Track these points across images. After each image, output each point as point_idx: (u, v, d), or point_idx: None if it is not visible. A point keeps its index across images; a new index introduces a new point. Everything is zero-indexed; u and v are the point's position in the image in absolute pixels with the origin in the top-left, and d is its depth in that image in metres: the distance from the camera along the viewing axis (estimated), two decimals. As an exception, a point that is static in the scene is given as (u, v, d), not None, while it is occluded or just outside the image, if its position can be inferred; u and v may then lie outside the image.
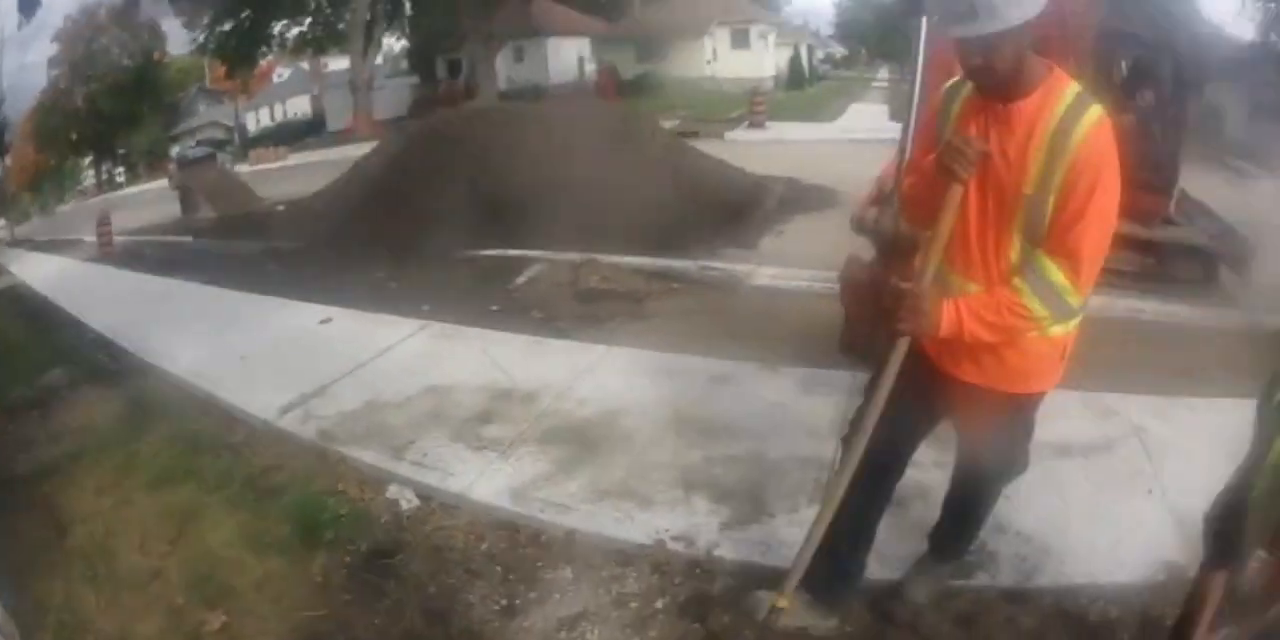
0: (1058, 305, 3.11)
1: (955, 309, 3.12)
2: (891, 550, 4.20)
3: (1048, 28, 3.24)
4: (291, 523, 4.50)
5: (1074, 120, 3.02)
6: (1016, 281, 3.09)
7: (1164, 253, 12.48)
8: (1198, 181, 19.89)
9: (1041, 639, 3.98)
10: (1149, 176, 13.30)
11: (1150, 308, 10.07)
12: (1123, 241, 12.64)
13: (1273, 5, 34.94)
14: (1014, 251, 3.17)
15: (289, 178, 22.34)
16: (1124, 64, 12.22)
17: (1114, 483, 5.17)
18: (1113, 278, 12.33)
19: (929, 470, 4.86)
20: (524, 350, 7.10)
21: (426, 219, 11.07)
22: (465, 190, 11.49)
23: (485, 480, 5.01)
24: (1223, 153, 31.72)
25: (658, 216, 11.82)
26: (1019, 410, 3.54)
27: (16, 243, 20.15)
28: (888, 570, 4.19)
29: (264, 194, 18.17)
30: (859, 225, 6.30)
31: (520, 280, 9.31)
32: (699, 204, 12.48)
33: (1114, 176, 3.08)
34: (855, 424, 3.53)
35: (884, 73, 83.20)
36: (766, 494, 4.78)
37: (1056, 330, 3.24)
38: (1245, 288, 12.73)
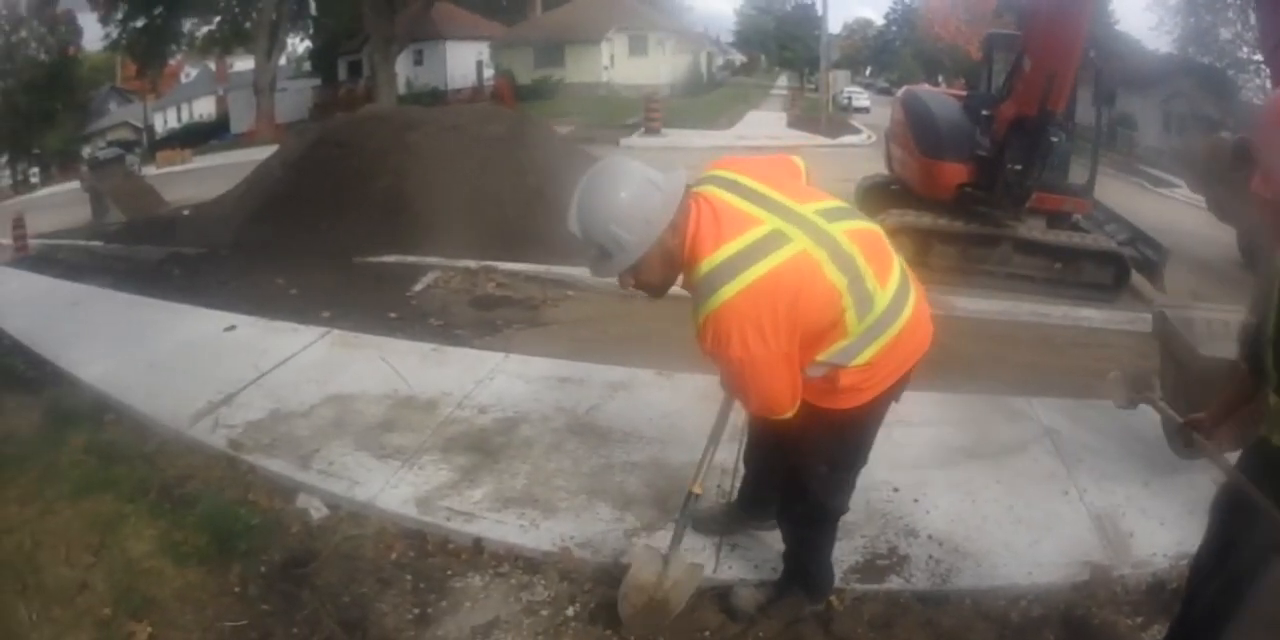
0: None
1: None
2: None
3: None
4: (208, 532, 4.57)
5: (697, 308, 3.29)
6: None
7: (1072, 258, 13.20)
8: (1112, 188, 20.55)
9: (962, 640, 4.07)
10: (1058, 179, 13.90)
11: (1058, 312, 10.39)
12: (1028, 246, 13.15)
13: (1192, 20, 36.23)
14: None
15: (194, 181, 22.28)
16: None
17: (1028, 484, 5.40)
18: (1019, 283, 12.85)
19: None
20: (423, 358, 7.22)
21: (325, 224, 11.14)
22: (362, 195, 11.56)
23: (391, 489, 5.14)
24: (1136, 161, 32.77)
25: (553, 223, 11.95)
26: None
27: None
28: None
29: (170, 197, 18.05)
30: None
31: (418, 287, 9.40)
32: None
33: (736, 351, 3.24)
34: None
35: (783, 80, 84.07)
36: (669, 500, 4.91)
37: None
38: (1158, 291, 13.27)
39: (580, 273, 9.57)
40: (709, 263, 3.24)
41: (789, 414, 3.52)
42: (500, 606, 4.25)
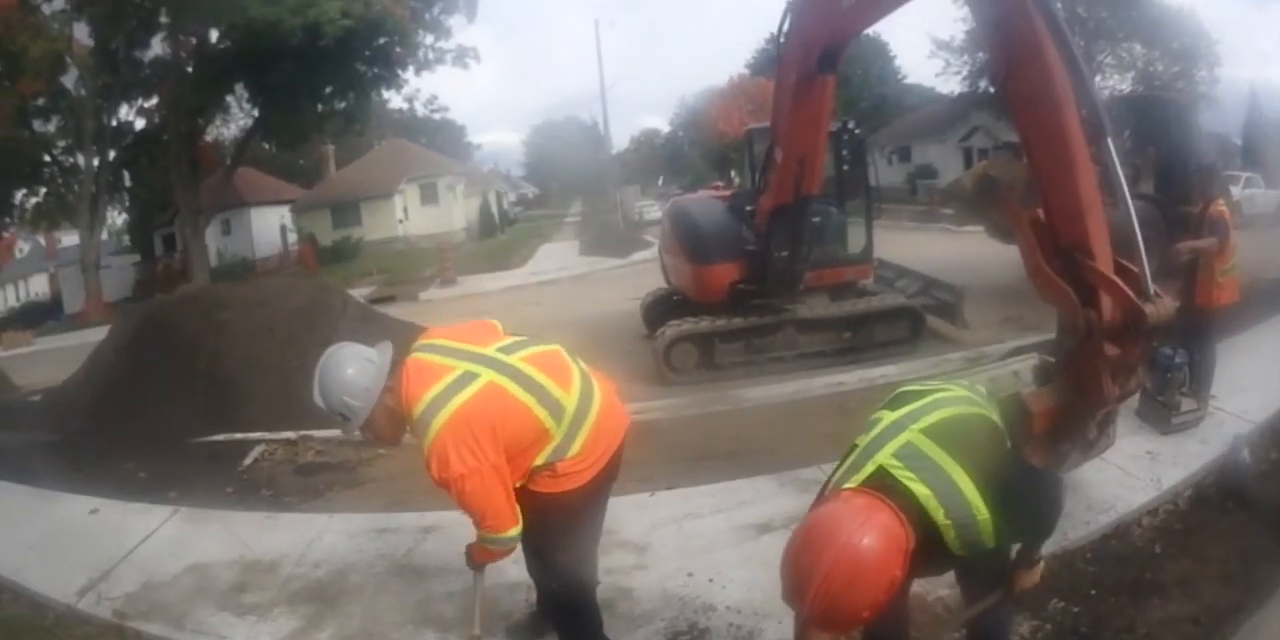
0: (501, 543, 4.47)
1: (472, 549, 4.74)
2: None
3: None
4: None
5: (421, 446, 4.26)
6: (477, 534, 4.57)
7: (860, 323, 13.78)
8: (915, 240, 20.86)
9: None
10: (836, 251, 14.28)
11: (853, 377, 11.01)
12: (811, 324, 13.76)
13: (980, 54, 36.91)
14: None
15: (38, 363, 22.44)
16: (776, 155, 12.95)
17: None
18: (815, 360, 13.50)
19: (629, 573, 6.15)
20: (260, 525, 8.02)
21: (160, 407, 11.63)
22: (186, 376, 12.06)
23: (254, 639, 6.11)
24: (939, 208, 33.04)
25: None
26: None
27: None
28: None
29: (18, 381, 18.24)
30: None
31: (247, 461, 10.03)
32: (395, 373, 13.37)
33: (457, 474, 4.16)
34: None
35: (577, 205, 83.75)
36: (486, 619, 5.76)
37: None
38: (959, 329, 13.93)
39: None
40: (419, 407, 4.19)
41: (513, 530, 4.33)
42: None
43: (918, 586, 4.41)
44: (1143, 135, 13.94)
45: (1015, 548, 3.82)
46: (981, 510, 3.23)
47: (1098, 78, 34.67)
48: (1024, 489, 3.49)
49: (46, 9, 38.55)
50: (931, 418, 3.56)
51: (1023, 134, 6.51)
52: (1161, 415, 7.89)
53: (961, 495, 3.24)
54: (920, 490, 3.22)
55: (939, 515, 3.21)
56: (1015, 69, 6.39)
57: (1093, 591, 5.42)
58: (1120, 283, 5.47)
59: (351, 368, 4.31)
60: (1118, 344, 5.51)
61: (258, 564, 7.23)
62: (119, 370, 13.03)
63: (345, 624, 6.19)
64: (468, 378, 4.29)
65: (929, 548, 3.25)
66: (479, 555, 4.72)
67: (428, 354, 4.45)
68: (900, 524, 3.12)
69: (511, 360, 4.44)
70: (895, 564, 3.01)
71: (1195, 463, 7.11)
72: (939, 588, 5.02)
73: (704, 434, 9.87)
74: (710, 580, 6.01)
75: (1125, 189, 5.75)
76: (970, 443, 3.44)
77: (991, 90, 35.40)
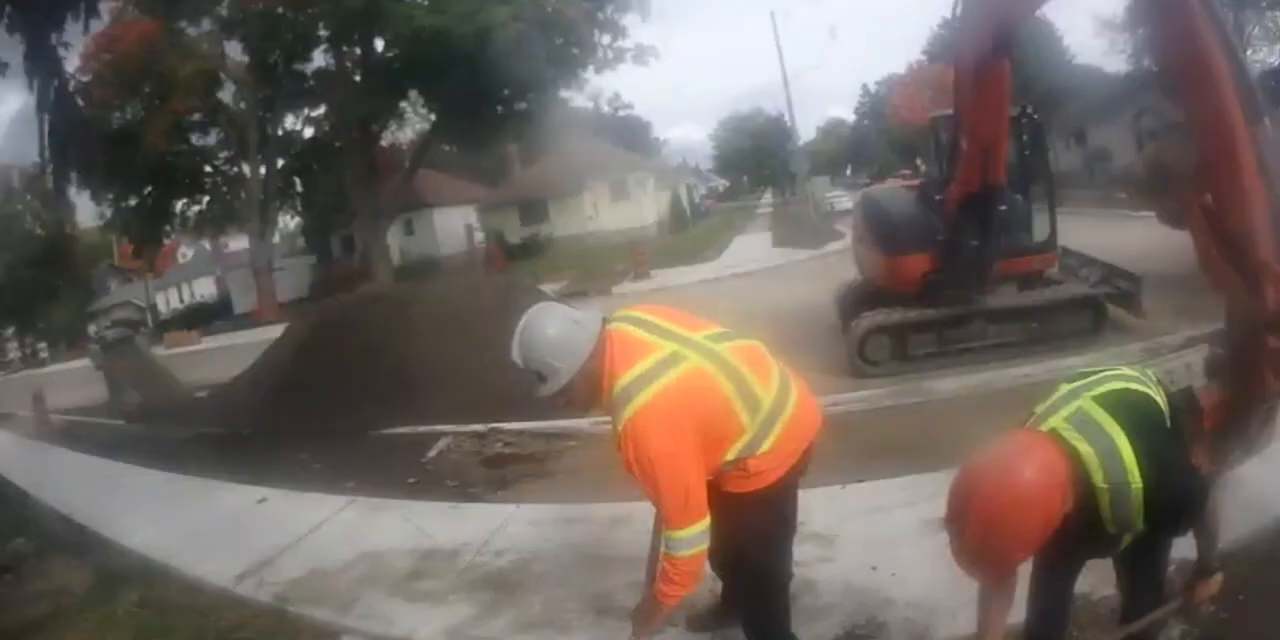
0: (691, 543, 3.97)
1: (656, 594, 4.18)
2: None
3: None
4: None
5: (615, 423, 3.96)
6: (665, 551, 4.08)
7: (1048, 313, 13.21)
8: (1094, 226, 20.47)
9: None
10: (1023, 240, 13.87)
11: (1040, 369, 10.45)
12: (1000, 315, 13.32)
13: (1140, 31, 35.45)
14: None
15: (205, 362, 22.78)
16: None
17: None
18: (1004, 351, 13.00)
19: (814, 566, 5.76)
20: (442, 515, 7.70)
21: (338, 401, 11.53)
22: (369, 370, 11.98)
23: (424, 625, 5.68)
24: (1112, 192, 31.95)
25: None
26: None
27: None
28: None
29: (183, 378, 18.43)
30: None
31: (431, 453, 9.83)
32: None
33: (651, 456, 3.86)
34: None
35: (767, 197, 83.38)
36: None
37: None
38: (1139, 319, 13.26)
39: (581, 425, 10.05)
40: (621, 382, 3.94)
41: (701, 523, 3.99)
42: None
43: (1082, 584, 4.22)
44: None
45: (1170, 548, 3.86)
46: (1136, 480, 3.23)
47: (1248, 51, 32.61)
48: (1179, 469, 3.45)
49: (194, 31, 39.98)
50: (1103, 388, 3.63)
51: (1187, 118, 6.26)
52: None
53: (1121, 461, 3.26)
54: (1084, 449, 3.26)
55: (1098, 476, 3.24)
56: (1170, 47, 6.23)
57: (1241, 597, 4.86)
58: None
59: (558, 328, 4.04)
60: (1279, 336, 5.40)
61: (436, 552, 6.91)
62: (295, 366, 13.05)
63: (524, 612, 5.84)
64: (676, 358, 4.08)
65: (1084, 520, 3.29)
66: (661, 596, 4.20)
67: (633, 327, 4.24)
68: (1064, 466, 3.20)
69: (718, 349, 4.23)
70: (1054, 501, 3.08)
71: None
72: (1104, 587, 4.59)
73: (895, 426, 9.48)
74: (893, 574, 5.73)
75: None
76: (1135, 414, 3.46)
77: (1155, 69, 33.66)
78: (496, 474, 9.18)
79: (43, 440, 11.97)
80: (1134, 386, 3.70)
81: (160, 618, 5.75)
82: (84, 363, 20.72)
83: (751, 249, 38.79)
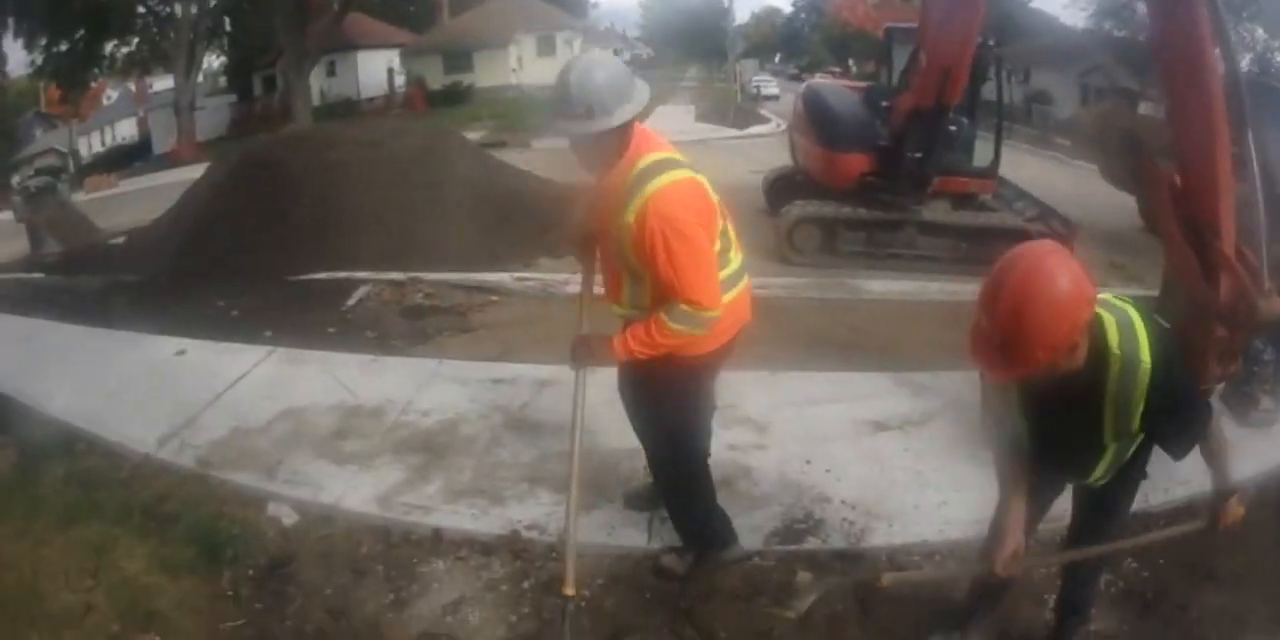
0: (696, 322, 3.93)
1: (622, 340, 4.05)
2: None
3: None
4: (194, 545, 4.93)
5: (633, 194, 3.85)
6: (661, 313, 3.92)
7: (978, 237, 13.60)
8: (1027, 164, 20.98)
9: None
10: (962, 162, 14.47)
11: (967, 289, 10.38)
12: (933, 228, 13.77)
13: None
14: (648, 296, 4.07)
15: (123, 206, 22.16)
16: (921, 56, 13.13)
17: (933, 452, 5.93)
18: (928, 264, 13.45)
19: (749, 452, 5.84)
20: (364, 369, 7.55)
21: (256, 245, 11.24)
22: (288, 214, 11.67)
23: (353, 491, 5.57)
24: (1052, 135, 32.78)
25: (472, 231, 12.31)
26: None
27: None
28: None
29: (102, 224, 17.79)
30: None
31: (350, 301, 9.63)
32: (510, 217, 13.03)
33: (679, 228, 3.82)
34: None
35: (692, 72, 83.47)
36: (604, 482, 5.46)
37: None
38: None
39: (503, 279, 10.06)
40: (650, 158, 3.91)
41: (717, 309, 3.96)
42: (464, 586, 4.77)
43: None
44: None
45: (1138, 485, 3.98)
46: (1146, 357, 3.24)
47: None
48: (1182, 368, 3.44)
49: None
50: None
51: (1171, 103, 6.39)
52: (1243, 406, 7.16)
53: (1136, 335, 3.28)
54: (1105, 314, 3.28)
55: (1114, 340, 3.25)
56: (1171, 37, 6.15)
57: (1161, 561, 5.06)
58: (1241, 269, 5.51)
59: (625, 75, 3.90)
60: (1227, 327, 5.64)
61: (360, 409, 6.77)
62: (214, 209, 12.65)
63: (454, 478, 5.79)
64: (689, 165, 4.10)
65: (1089, 382, 3.29)
66: (623, 347, 4.14)
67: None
68: (1090, 302, 3.10)
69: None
70: (1080, 313, 3.02)
71: (1261, 463, 6.21)
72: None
73: (822, 320, 9.67)
74: (827, 471, 5.82)
75: (1258, 177, 5.76)
76: (1146, 311, 3.42)
77: (1116, 33, 37.24)
78: (417, 326, 9.05)
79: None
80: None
81: (86, 495, 5.56)
82: (6, 215, 19.92)
83: (674, 119, 38.40)
